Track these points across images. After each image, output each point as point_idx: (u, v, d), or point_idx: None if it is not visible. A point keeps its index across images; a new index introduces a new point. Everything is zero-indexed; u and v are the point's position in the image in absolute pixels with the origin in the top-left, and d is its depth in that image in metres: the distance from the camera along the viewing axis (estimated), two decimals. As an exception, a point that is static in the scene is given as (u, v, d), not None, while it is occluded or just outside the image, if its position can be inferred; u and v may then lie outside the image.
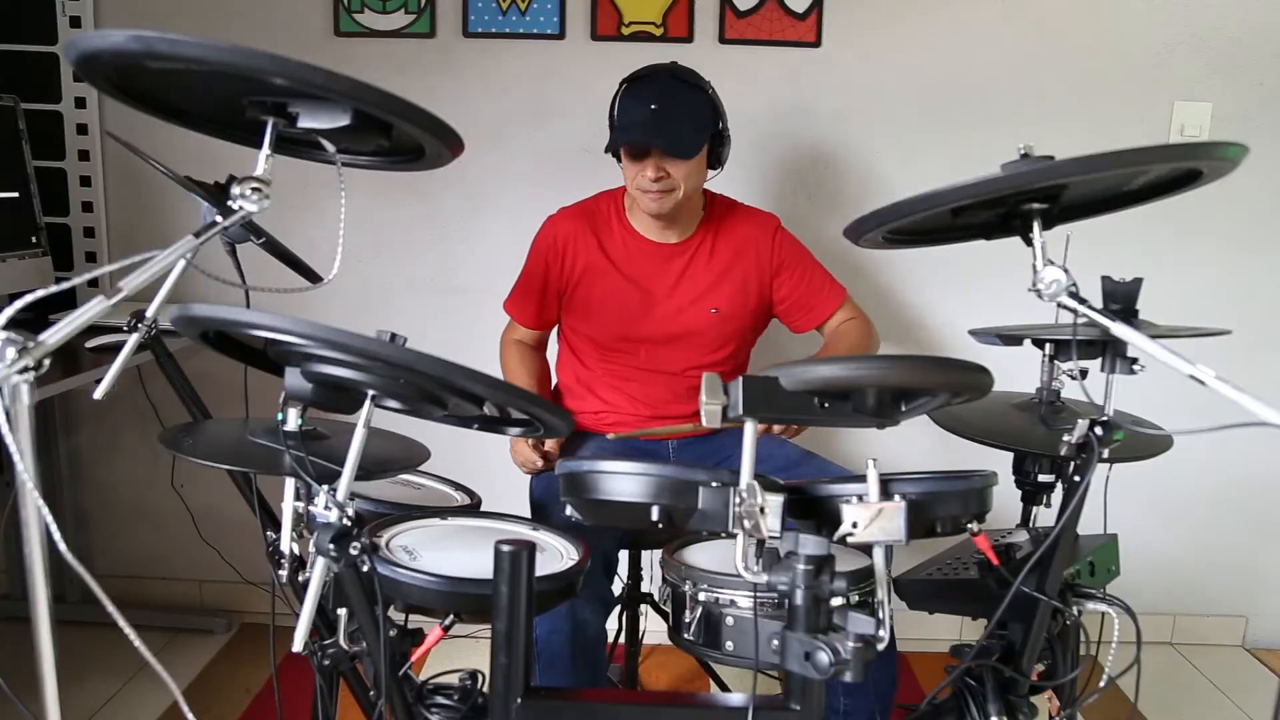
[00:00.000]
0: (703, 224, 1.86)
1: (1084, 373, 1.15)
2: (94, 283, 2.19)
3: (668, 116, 1.70)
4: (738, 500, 0.97)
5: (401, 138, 1.05)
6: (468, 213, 2.39)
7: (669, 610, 1.17)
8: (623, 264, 1.84)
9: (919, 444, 2.45)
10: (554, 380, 2.02)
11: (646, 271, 1.84)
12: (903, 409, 1.06)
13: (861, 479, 1.03)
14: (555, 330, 2.00)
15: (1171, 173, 1.09)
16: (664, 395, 1.87)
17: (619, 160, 1.78)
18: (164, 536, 2.55)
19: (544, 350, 2.02)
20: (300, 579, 1.20)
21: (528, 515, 1.69)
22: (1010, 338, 1.34)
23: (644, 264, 1.84)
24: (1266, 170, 2.31)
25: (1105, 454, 1.13)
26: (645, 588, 1.98)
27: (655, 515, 1.05)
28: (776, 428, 1.79)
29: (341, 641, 1.13)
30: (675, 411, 1.87)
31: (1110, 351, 1.19)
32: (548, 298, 1.90)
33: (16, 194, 2.16)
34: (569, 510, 1.14)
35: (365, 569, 1.02)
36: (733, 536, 0.98)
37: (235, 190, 1.01)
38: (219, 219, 1.02)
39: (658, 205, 1.75)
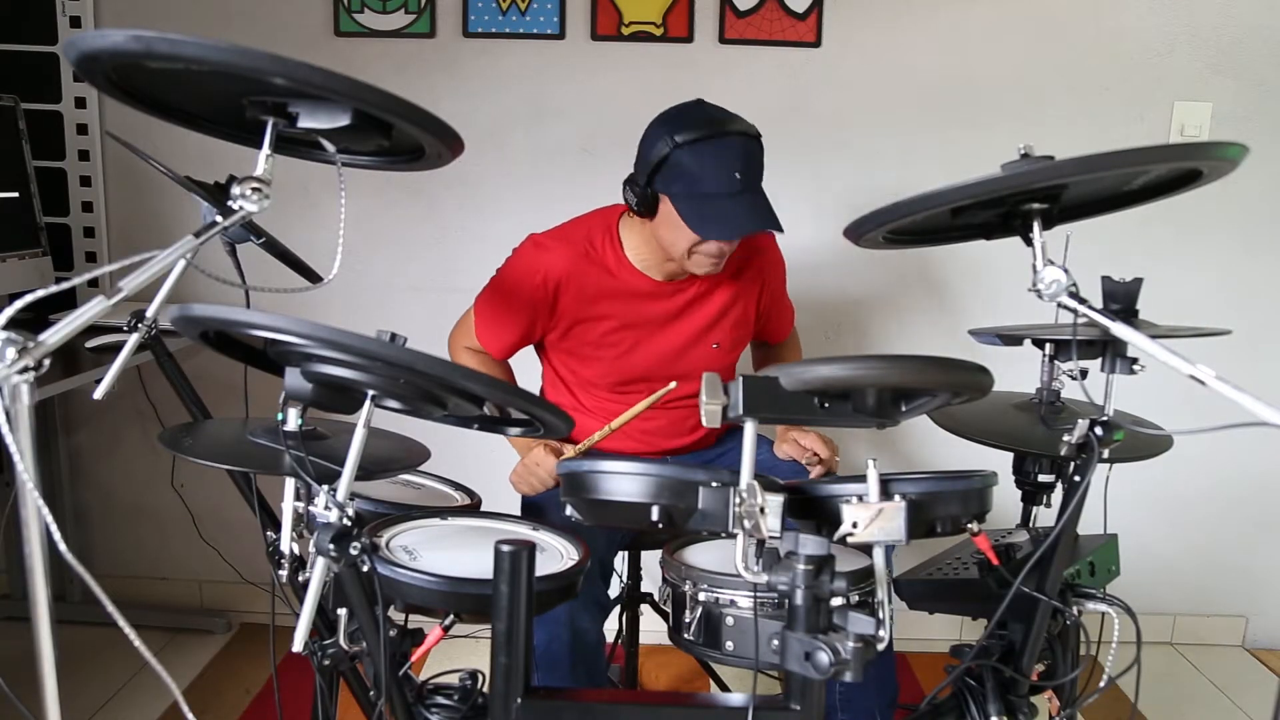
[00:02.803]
0: None
1: (1084, 373, 1.15)
2: (94, 283, 2.19)
3: (751, 192, 1.54)
4: (738, 500, 0.97)
5: (401, 138, 1.05)
6: (468, 213, 2.39)
7: (669, 610, 1.17)
8: (622, 306, 1.70)
9: (919, 444, 2.45)
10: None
11: (648, 312, 1.71)
12: (903, 409, 1.06)
13: (861, 479, 1.03)
14: (536, 349, 1.85)
15: (1171, 173, 1.09)
16: (657, 425, 1.80)
17: (647, 214, 1.60)
18: (164, 536, 2.55)
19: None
20: (300, 579, 1.20)
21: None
22: (1010, 338, 1.34)
23: (645, 304, 1.70)
24: (1266, 170, 2.31)
25: (1105, 454, 1.13)
26: (645, 588, 1.98)
27: (655, 515, 1.05)
28: (813, 469, 1.69)
29: (341, 641, 1.13)
30: (667, 445, 1.81)
31: (1110, 351, 1.19)
32: (533, 333, 1.74)
33: (16, 194, 2.16)
34: (569, 510, 1.14)
35: (365, 569, 1.02)
36: (733, 536, 0.98)
37: (235, 190, 1.01)
38: (219, 219, 1.02)
39: (715, 269, 1.63)
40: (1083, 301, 1.03)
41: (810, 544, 0.93)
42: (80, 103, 2.34)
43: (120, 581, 2.56)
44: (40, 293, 0.82)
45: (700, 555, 1.23)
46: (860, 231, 1.11)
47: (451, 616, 1.12)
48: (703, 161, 1.51)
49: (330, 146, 1.09)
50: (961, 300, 2.40)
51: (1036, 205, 1.07)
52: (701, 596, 1.11)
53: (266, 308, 0.90)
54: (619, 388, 1.77)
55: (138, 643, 0.85)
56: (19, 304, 0.79)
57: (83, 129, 2.35)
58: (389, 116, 0.95)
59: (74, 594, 2.43)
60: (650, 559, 1.95)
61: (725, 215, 1.53)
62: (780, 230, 1.55)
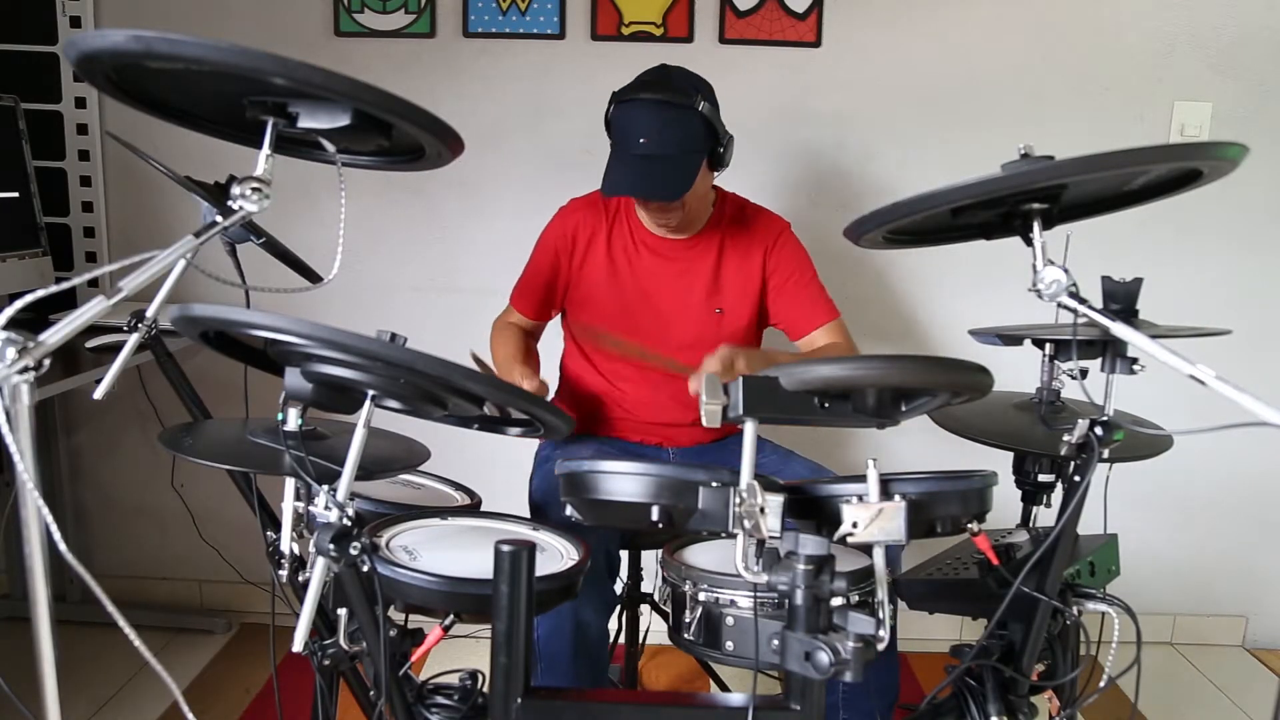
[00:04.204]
0: (712, 221, 1.85)
1: (1084, 373, 1.15)
2: (94, 283, 2.19)
3: (658, 158, 1.64)
4: (738, 500, 0.97)
5: (401, 138, 1.05)
6: (468, 213, 2.39)
7: (669, 610, 1.17)
8: (630, 260, 1.83)
9: (919, 444, 2.45)
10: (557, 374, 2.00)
11: (653, 269, 1.83)
12: (903, 409, 1.06)
13: (861, 479, 1.03)
14: (560, 318, 1.97)
15: (1171, 173, 1.09)
16: (664, 396, 1.84)
17: None
18: (164, 536, 2.55)
19: (537, 338, 1.99)
20: (300, 579, 1.20)
21: (527, 515, 1.69)
22: (1010, 338, 1.34)
23: (651, 261, 1.83)
24: (1266, 171, 2.31)
25: (1105, 454, 1.13)
26: (645, 588, 1.98)
27: (655, 515, 1.05)
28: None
29: (341, 641, 1.13)
30: (675, 418, 1.85)
31: (1110, 351, 1.19)
32: (555, 289, 1.89)
33: (16, 194, 2.16)
34: (569, 510, 1.14)
35: (365, 569, 1.02)
36: (733, 536, 0.98)
37: (235, 190, 1.01)
38: (219, 219, 1.02)
39: (665, 226, 1.78)
40: (1083, 301, 1.03)
41: (810, 544, 0.93)
42: (80, 103, 2.34)
43: (120, 581, 2.56)
44: (40, 293, 0.83)
45: (700, 555, 1.23)
46: (860, 231, 1.11)
47: (451, 616, 1.12)
48: (621, 120, 1.68)
49: (330, 146, 1.09)
50: (961, 300, 2.40)
51: (1036, 205, 1.07)
52: (701, 596, 1.11)
53: (266, 307, 0.90)
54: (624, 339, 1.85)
55: (138, 643, 0.85)
56: (19, 304, 0.79)
57: (83, 129, 2.35)
58: (389, 116, 0.95)
59: (74, 594, 2.43)
60: (650, 559, 1.95)
61: (617, 173, 1.67)
62: (657, 199, 1.68)
